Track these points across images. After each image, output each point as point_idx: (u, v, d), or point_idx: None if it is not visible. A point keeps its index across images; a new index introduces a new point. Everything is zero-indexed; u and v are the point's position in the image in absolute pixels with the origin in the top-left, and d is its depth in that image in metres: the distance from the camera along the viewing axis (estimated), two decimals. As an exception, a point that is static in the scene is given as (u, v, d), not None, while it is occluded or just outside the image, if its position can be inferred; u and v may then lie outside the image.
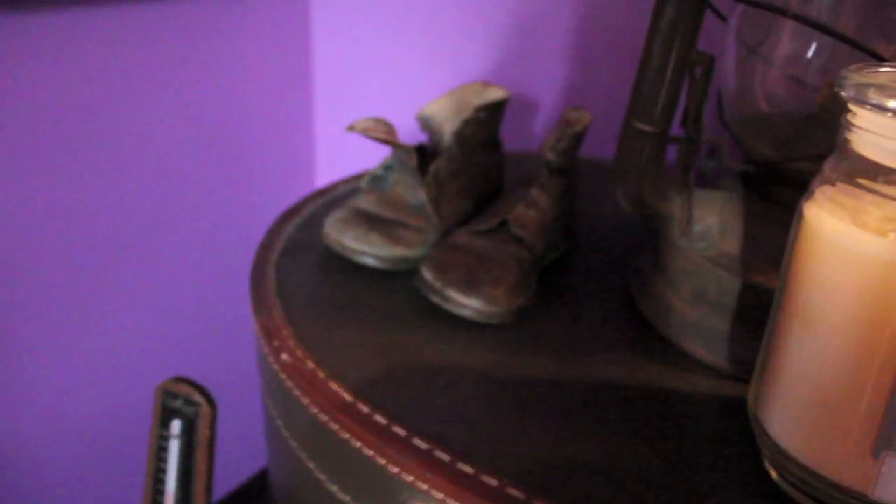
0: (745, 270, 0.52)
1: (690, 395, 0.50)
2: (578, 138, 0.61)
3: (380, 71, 1.08)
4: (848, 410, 0.37)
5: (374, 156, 1.14)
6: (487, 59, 0.99)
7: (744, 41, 0.57)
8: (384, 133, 0.59)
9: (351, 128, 0.59)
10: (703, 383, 0.51)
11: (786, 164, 0.55)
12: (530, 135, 1.00)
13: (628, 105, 0.53)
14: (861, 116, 0.37)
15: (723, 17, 0.60)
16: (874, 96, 0.35)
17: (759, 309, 0.51)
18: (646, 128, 0.52)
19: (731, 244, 0.54)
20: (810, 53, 0.54)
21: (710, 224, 0.55)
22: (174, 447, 0.63)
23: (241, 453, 1.21)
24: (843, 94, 0.37)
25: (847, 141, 0.38)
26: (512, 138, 1.02)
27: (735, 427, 0.46)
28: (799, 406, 0.40)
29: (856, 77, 0.37)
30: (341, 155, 1.17)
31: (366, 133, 0.58)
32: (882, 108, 0.35)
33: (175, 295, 1.04)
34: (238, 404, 1.17)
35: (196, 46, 0.96)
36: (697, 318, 0.54)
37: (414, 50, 1.04)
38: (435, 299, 0.56)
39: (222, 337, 1.12)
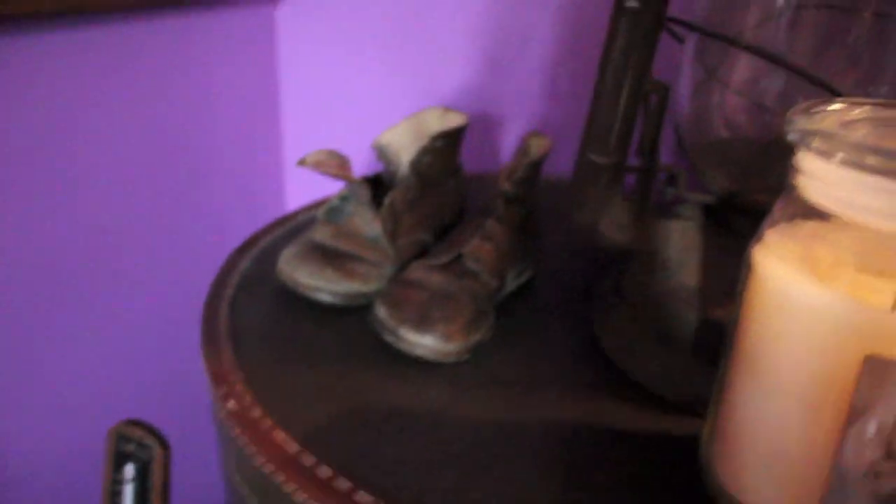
0: (702, 304, 0.51)
1: (650, 436, 0.48)
2: (535, 167, 0.60)
3: (349, 91, 1.06)
4: (795, 466, 0.36)
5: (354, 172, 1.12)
6: (461, 77, 0.97)
7: (702, 63, 0.55)
8: (336, 167, 0.58)
9: (301, 162, 0.57)
10: (663, 423, 0.50)
11: (745, 194, 0.54)
12: (505, 156, 0.99)
13: (582, 136, 0.52)
14: (808, 161, 0.35)
15: (679, 39, 0.59)
16: (819, 145, 0.34)
17: (718, 345, 0.50)
18: (600, 159, 0.51)
19: (689, 276, 0.53)
20: (769, 77, 0.53)
21: (667, 256, 0.53)
22: (128, 492, 0.61)
23: (198, 496, 1.19)
24: (789, 138, 0.36)
25: (795, 185, 0.37)
26: (486, 160, 1.00)
27: (692, 472, 0.45)
28: (748, 457, 0.38)
29: (802, 121, 0.35)
30: (312, 178, 1.15)
31: (316, 168, 0.57)
32: (828, 156, 0.33)
33: (131, 332, 1.02)
34: (195, 445, 1.15)
35: (159, 70, 0.94)
36: (656, 353, 0.53)
37: (383, 70, 1.02)
38: (388, 338, 0.54)
39: (180, 376, 1.09)
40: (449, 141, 0.64)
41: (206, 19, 0.98)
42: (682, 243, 0.53)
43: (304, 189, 1.18)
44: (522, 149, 0.62)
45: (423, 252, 0.65)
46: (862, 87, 0.49)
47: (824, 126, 0.34)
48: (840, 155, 0.32)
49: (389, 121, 1.05)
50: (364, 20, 1.01)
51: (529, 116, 0.96)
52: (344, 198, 0.61)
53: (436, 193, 0.65)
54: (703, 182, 0.56)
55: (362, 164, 1.08)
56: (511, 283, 0.61)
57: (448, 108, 0.67)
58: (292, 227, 0.72)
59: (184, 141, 1.00)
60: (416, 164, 0.62)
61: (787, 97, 0.52)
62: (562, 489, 0.44)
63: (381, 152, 0.64)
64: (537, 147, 0.62)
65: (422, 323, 0.53)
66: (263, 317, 0.59)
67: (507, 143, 0.99)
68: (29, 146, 0.84)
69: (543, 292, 0.64)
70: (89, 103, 0.88)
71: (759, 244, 0.39)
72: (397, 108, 1.03)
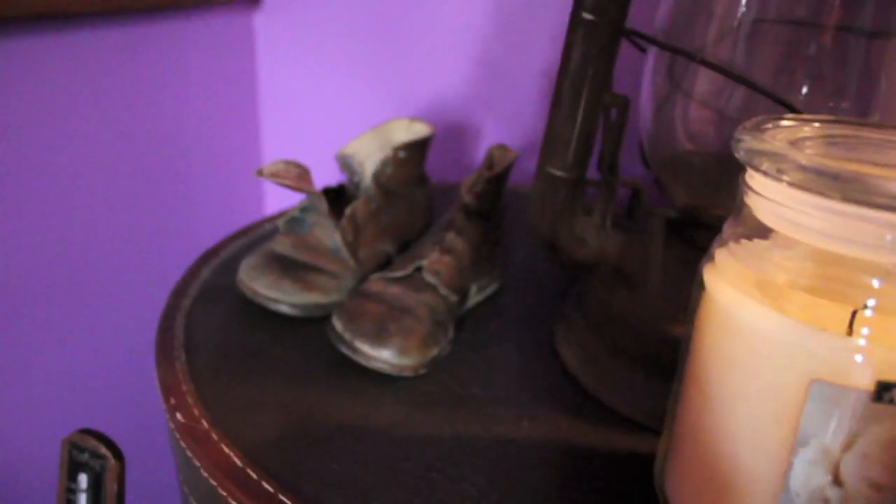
0: (662, 321, 0.50)
1: (609, 454, 0.48)
2: (499, 180, 0.59)
3: (328, 96, 1.06)
4: (744, 491, 0.35)
5: (329, 180, 1.12)
6: (440, 84, 0.97)
7: (665, 74, 0.55)
8: (294, 178, 0.57)
9: (259, 173, 0.56)
10: (622, 440, 0.49)
11: (707, 209, 0.53)
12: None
13: (540, 150, 0.51)
14: (757, 180, 0.35)
15: (642, 50, 0.58)
16: (766, 166, 0.33)
17: (676, 362, 0.49)
18: (559, 173, 0.50)
19: (650, 292, 0.52)
20: (732, 89, 0.52)
21: (628, 271, 0.53)
22: (82, 501, 0.60)
23: (159, 502, 1.17)
24: (737, 156, 0.35)
25: (744, 204, 0.36)
26: (463, 170, 1.00)
27: (647, 490, 0.44)
28: (698, 478, 0.37)
29: (749, 141, 0.35)
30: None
31: (274, 179, 0.56)
32: (774, 177, 0.33)
33: (90, 339, 1.00)
34: (152, 454, 1.14)
35: (140, 76, 0.93)
36: (616, 369, 0.52)
37: (362, 76, 1.01)
38: (345, 350, 0.53)
39: (139, 383, 1.08)
40: (413, 152, 0.63)
41: (185, 26, 0.97)
42: (642, 258, 0.53)
43: (284, 193, 1.17)
44: (486, 161, 0.61)
45: (386, 263, 0.64)
46: (823, 102, 0.49)
47: (773, 145, 0.34)
48: (788, 176, 0.32)
49: (369, 125, 1.04)
50: (342, 26, 1.01)
51: (509, 126, 0.95)
52: (304, 209, 0.60)
53: (400, 204, 0.64)
54: (665, 196, 0.55)
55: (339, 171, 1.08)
56: (474, 297, 0.61)
57: (415, 119, 0.66)
58: (257, 237, 0.71)
59: (163, 146, 0.99)
60: (378, 176, 0.61)
61: (749, 109, 0.51)
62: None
63: (343, 163, 0.63)
64: (501, 159, 0.61)
65: (378, 336, 0.52)
66: (221, 328, 0.58)
67: (484, 153, 0.98)
68: (15, 142, 0.83)
69: (508, 305, 0.63)
70: (66, 110, 0.87)
71: (709, 263, 0.39)
72: (376, 113, 1.02)
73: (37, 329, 0.94)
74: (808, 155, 0.33)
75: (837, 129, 0.38)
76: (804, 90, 0.49)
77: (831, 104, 0.49)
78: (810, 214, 0.32)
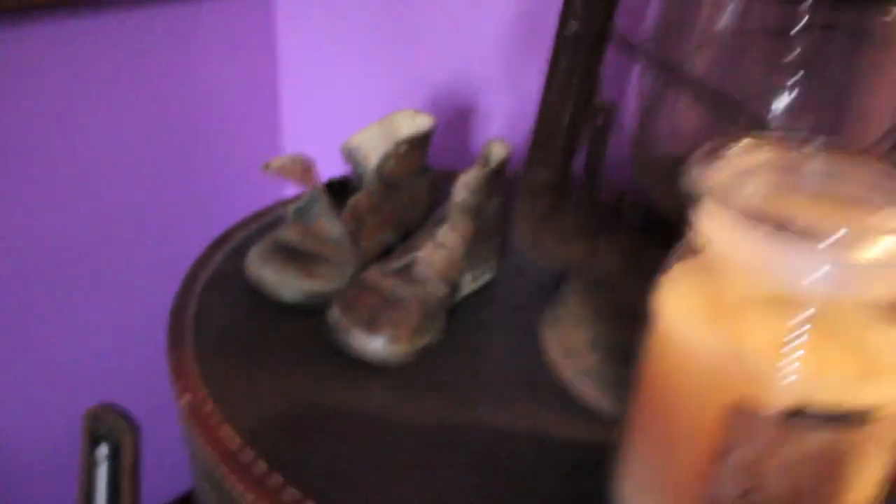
0: (636, 322, 0.53)
1: (588, 447, 0.51)
2: (496, 175, 0.62)
3: (349, 80, 1.08)
4: (678, 497, 0.38)
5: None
6: (457, 68, 0.98)
7: (652, 79, 0.57)
8: (300, 172, 0.60)
9: (265, 167, 0.60)
10: (601, 434, 0.52)
11: (686, 212, 0.55)
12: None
13: (527, 154, 0.54)
14: (704, 207, 0.37)
15: (628, 55, 0.60)
16: (708, 199, 0.35)
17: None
18: (542, 177, 0.53)
19: (630, 293, 0.55)
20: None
21: (607, 272, 0.55)
22: (102, 471, 0.65)
23: (170, 473, 1.23)
24: (685, 188, 0.37)
25: (695, 224, 0.39)
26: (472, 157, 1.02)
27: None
28: (642, 479, 0.41)
29: (696, 173, 0.37)
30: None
31: (279, 174, 0.59)
32: (719, 212, 0.35)
33: (115, 319, 1.05)
34: (170, 426, 1.19)
35: (158, 58, 0.96)
36: (594, 365, 0.55)
37: (382, 61, 1.04)
38: (341, 339, 0.57)
39: (157, 362, 1.13)
40: (414, 145, 0.66)
41: (205, 8, 1.00)
42: (622, 261, 0.55)
43: None
44: (482, 156, 0.64)
45: (388, 253, 0.67)
46: (796, 116, 0.50)
47: (717, 180, 0.36)
48: (727, 211, 0.34)
49: (387, 109, 1.07)
50: (365, 8, 1.03)
51: (515, 116, 0.97)
52: (310, 200, 0.64)
53: (402, 195, 0.67)
54: (649, 201, 0.58)
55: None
56: (467, 286, 0.64)
57: (418, 111, 0.69)
58: (269, 222, 0.75)
59: (182, 130, 1.03)
60: (380, 169, 0.64)
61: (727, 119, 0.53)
62: (499, 496, 0.46)
63: (349, 155, 0.66)
64: (497, 154, 0.63)
65: (371, 325, 0.56)
66: (230, 313, 0.62)
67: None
68: (20, 136, 0.87)
69: (501, 296, 0.66)
70: (85, 95, 0.91)
71: (665, 276, 0.41)
72: (395, 98, 1.05)
73: (67, 309, 0.99)
74: (748, 194, 0.35)
75: (794, 157, 0.39)
76: (781, 102, 0.50)
77: (807, 118, 0.50)
78: (746, 247, 0.34)
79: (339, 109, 1.10)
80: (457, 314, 0.63)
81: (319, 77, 1.10)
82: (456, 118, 0.99)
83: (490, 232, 0.64)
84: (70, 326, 1.01)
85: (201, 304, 0.63)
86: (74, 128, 0.91)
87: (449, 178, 0.89)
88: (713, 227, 0.36)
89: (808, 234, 0.32)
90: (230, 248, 0.70)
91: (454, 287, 0.61)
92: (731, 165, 0.38)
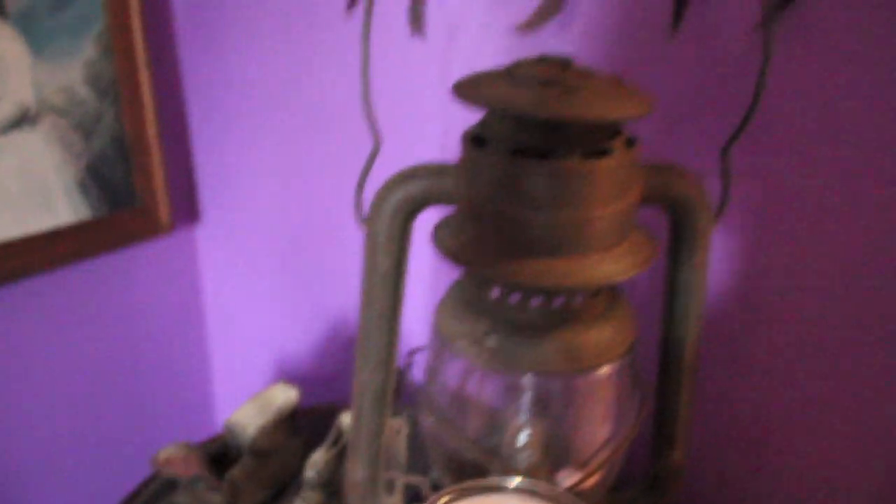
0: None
1: None
2: (341, 454, 0.78)
3: (268, 307, 1.25)
4: None
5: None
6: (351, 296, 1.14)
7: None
8: (181, 462, 0.76)
9: (154, 461, 0.76)
10: None
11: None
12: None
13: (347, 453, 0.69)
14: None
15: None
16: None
17: None
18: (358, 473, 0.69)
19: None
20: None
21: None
22: None
23: None
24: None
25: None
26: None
27: None
28: None
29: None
30: (240, 387, 1.34)
31: (166, 466, 0.76)
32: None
33: None
34: None
35: (96, 306, 1.13)
36: None
37: (286, 286, 1.20)
38: None
39: None
40: (284, 417, 0.83)
41: (134, 251, 1.16)
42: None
43: (234, 398, 1.37)
44: (332, 434, 0.80)
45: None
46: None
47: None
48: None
49: (297, 333, 1.23)
50: (271, 238, 1.20)
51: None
52: (196, 478, 0.80)
53: (275, 461, 0.83)
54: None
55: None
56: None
57: (287, 383, 0.86)
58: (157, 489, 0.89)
59: (118, 366, 1.18)
60: (252, 445, 0.81)
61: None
62: None
63: (229, 432, 0.82)
64: (348, 428, 0.80)
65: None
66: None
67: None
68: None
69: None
70: (31, 353, 1.06)
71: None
72: (300, 324, 1.21)
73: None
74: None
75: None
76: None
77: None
78: None
79: (259, 332, 1.27)
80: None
81: (241, 299, 1.27)
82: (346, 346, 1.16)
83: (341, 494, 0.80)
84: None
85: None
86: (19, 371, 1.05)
87: (322, 415, 1.03)
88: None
89: None
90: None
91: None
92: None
